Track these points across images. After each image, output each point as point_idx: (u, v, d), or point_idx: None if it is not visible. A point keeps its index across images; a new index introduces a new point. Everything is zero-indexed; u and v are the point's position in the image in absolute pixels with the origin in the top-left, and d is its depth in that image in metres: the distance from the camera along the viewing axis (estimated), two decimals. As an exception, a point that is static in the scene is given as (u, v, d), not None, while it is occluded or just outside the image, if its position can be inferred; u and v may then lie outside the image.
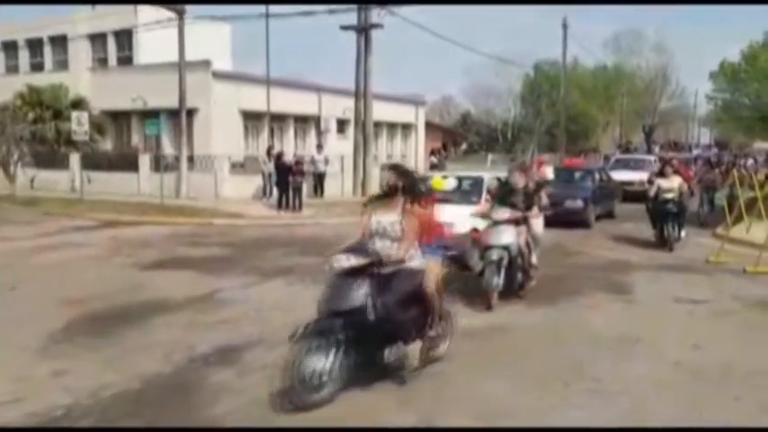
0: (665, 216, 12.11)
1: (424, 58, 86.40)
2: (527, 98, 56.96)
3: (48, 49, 31.85)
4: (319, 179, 20.04)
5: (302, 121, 31.76)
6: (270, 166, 19.20)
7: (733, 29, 75.72)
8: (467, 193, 11.22)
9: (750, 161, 27.30)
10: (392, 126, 38.19)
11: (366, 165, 21.62)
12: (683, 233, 12.42)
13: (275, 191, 18.62)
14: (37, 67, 31.88)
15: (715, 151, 48.37)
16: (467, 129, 65.61)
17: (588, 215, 15.29)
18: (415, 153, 39.15)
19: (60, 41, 31.37)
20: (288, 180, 17.87)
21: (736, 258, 10.82)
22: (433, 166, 25.82)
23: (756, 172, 18.85)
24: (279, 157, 18.63)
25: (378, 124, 36.07)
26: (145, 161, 22.16)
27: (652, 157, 20.80)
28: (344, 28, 20.95)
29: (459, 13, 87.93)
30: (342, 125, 32.42)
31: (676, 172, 12.89)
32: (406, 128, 39.45)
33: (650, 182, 13.79)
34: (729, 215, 12.54)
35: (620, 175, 21.27)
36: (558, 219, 12.75)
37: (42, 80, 28.06)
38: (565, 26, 32.75)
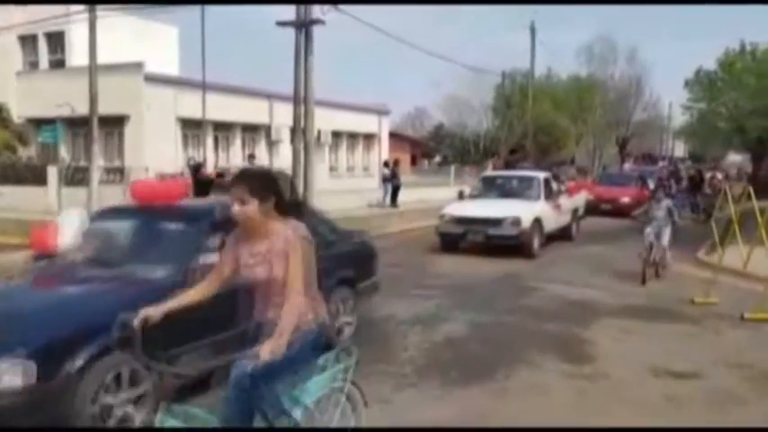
0: None
1: (397, 70, 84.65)
2: (499, 109, 55.14)
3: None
4: (251, 194, 17.56)
5: (251, 130, 29.42)
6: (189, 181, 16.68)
7: (709, 40, 74.92)
8: None
9: (719, 175, 24.86)
10: (353, 136, 35.98)
11: (308, 177, 19.15)
12: None
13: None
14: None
15: (664, 164, 44.44)
16: (439, 141, 63.81)
17: None
18: (378, 165, 36.95)
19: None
20: (208, 196, 15.40)
21: (727, 295, 8.62)
22: (386, 180, 23.46)
23: (725, 188, 15.79)
24: (197, 168, 16.16)
25: (337, 134, 33.92)
26: (53, 174, 19.53)
27: (541, 175, 14.01)
28: (281, 24, 18.55)
29: (435, 27, 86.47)
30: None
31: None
32: (369, 138, 37.19)
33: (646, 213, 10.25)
34: (718, 239, 10.17)
35: (477, 210, 12.88)
36: None
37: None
38: (532, 30, 30.78)
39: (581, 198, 16.73)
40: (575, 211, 15.40)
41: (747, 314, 7.60)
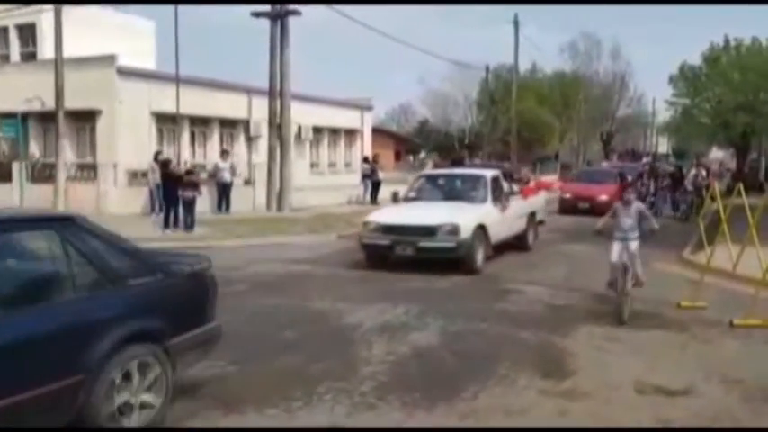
0: None
1: (384, 66, 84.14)
2: (484, 104, 54.93)
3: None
4: (224, 191, 16.94)
5: (229, 125, 28.68)
6: (156, 176, 16.08)
7: (693, 37, 74.97)
8: None
9: (703, 172, 23.99)
10: (334, 132, 35.34)
11: (284, 174, 18.62)
12: None
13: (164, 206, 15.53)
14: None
15: (648, 160, 43.24)
16: (425, 137, 63.40)
17: None
18: (360, 161, 36.37)
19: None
20: (177, 193, 14.81)
21: (715, 298, 8.17)
22: (365, 176, 22.93)
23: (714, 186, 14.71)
24: (165, 165, 15.53)
25: (318, 130, 33.27)
26: (17, 170, 18.82)
27: (489, 174, 11.90)
28: (256, 15, 18.02)
29: (422, 23, 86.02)
30: (274, 130, 29.42)
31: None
32: (351, 134, 36.59)
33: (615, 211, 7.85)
34: (706, 238, 9.67)
35: (408, 216, 10.62)
36: None
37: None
38: (516, 23, 30.34)
39: (540, 200, 14.36)
40: (532, 215, 13.12)
41: (737, 320, 7.13)
